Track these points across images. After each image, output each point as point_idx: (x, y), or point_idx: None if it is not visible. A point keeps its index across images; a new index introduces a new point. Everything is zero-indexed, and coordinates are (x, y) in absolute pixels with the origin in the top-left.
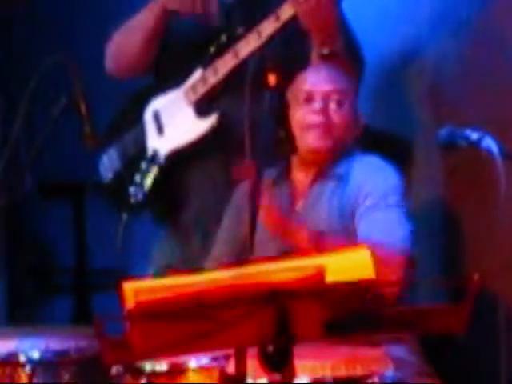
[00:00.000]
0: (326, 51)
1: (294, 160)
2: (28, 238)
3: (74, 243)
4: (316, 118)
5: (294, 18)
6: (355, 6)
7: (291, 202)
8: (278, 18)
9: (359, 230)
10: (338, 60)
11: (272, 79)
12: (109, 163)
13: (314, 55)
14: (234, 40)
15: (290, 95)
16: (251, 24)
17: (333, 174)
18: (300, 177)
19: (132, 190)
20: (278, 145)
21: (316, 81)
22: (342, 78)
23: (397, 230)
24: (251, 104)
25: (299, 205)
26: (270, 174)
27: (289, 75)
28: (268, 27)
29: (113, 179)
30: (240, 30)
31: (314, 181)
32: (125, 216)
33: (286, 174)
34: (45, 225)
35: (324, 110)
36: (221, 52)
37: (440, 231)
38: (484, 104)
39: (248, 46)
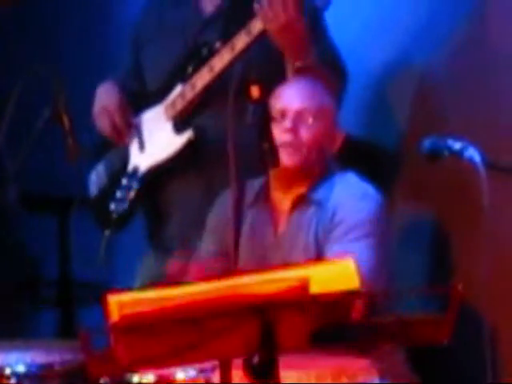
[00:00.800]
0: (298, 64)
1: (273, 176)
2: (13, 250)
3: (59, 256)
4: (286, 137)
5: (264, 33)
6: (339, 20)
7: (271, 225)
8: (249, 32)
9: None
10: (312, 72)
11: (255, 91)
12: (96, 179)
13: (288, 69)
14: (212, 54)
15: (270, 109)
16: (228, 38)
17: (312, 200)
18: (279, 196)
19: (113, 206)
20: (262, 157)
21: (288, 99)
22: (318, 93)
23: (362, 266)
24: (233, 116)
25: (279, 231)
26: (251, 188)
27: (271, 87)
28: (240, 41)
29: (98, 195)
30: (217, 45)
31: (293, 207)
32: (107, 232)
33: (265, 191)
34: (30, 237)
35: (294, 129)
36: (199, 67)
37: (426, 241)
38: (469, 114)
39: (222, 60)
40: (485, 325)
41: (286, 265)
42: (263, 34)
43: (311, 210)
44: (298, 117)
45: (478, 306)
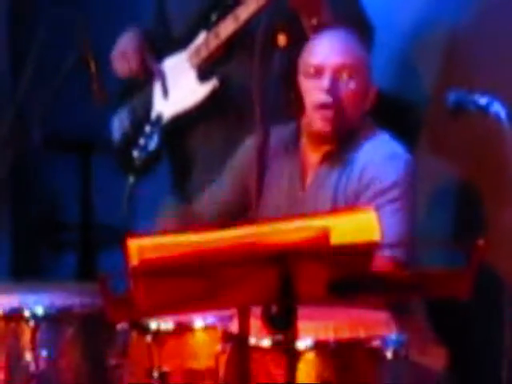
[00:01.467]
0: (314, 22)
1: (303, 128)
2: (34, 191)
3: (80, 199)
4: (325, 98)
5: None
6: None
7: (300, 179)
8: None
9: None
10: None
11: (282, 39)
12: (119, 124)
13: (306, 28)
14: (237, 2)
15: (300, 63)
16: None
17: (341, 158)
18: (308, 151)
19: (136, 153)
20: (288, 106)
21: (325, 54)
22: (354, 47)
23: (391, 233)
24: (260, 65)
25: (306, 185)
26: (279, 135)
27: (298, 36)
28: None
29: (120, 140)
30: None
31: (321, 162)
32: (131, 178)
33: (295, 141)
34: (52, 180)
35: (333, 89)
36: (224, 15)
37: (451, 198)
38: (495, 70)
39: (247, 9)
40: (506, 286)
41: (307, 214)
42: None
43: (340, 167)
44: (336, 74)
45: (501, 266)
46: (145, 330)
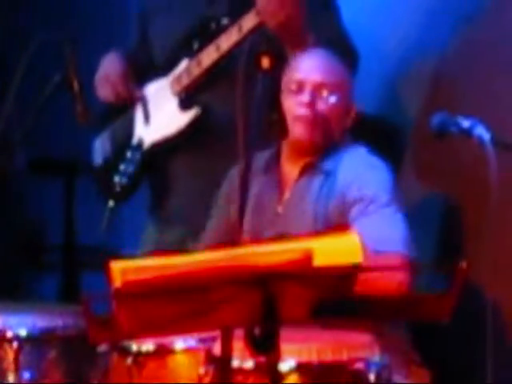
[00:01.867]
0: (296, 52)
1: (284, 148)
2: (17, 213)
3: (63, 220)
4: (304, 111)
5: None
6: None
7: (278, 193)
8: (258, 12)
9: None
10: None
11: (265, 62)
12: (100, 148)
13: (288, 54)
14: (220, 30)
15: (283, 81)
16: (234, 14)
17: (320, 168)
18: (288, 167)
19: (117, 178)
20: (271, 128)
21: (307, 71)
22: (336, 66)
23: (392, 234)
24: (243, 87)
25: (284, 198)
26: (260, 159)
27: (281, 59)
28: (248, 22)
29: (102, 165)
30: (225, 21)
31: (301, 174)
32: (111, 203)
33: (275, 161)
34: (35, 201)
35: (312, 104)
36: (206, 43)
37: (434, 219)
38: (479, 92)
39: (229, 40)
40: (488, 304)
41: (290, 237)
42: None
43: (319, 178)
44: (316, 90)
45: (483, 286)
46: (125, 351)
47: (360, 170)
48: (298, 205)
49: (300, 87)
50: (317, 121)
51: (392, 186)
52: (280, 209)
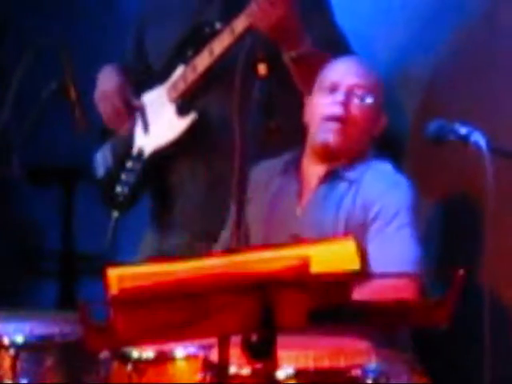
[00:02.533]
0: (293, 54)
1: (306, 151)
2: (15, 221)
3: (61, 228)
4: (337, 110)
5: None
6: (347, 3)
7: (297, 196)
8: (250, 15)
9: (369, 254)
10: (310, 60)
11: (262, 69)
12: (102, 160)
13: (285, 59)
14: (213, 34)
15: (315, 84)
16: (227, 18)
17: (344, 177)
18: (310, 171)
19: (119, 188)
20: (268, 136)
21: (343, 72)
22: (370, 73)
23: (406, 255)
24: (240, 94)
25: (304, 201)
26: (279, 162)
27: (279, 65)
28: (240, 25)
29: (104, 176)
30: (218, 25)
31: (324, 179)
32: (115, 213)
33: (296, 164)
34: (32, 209)
35: (345, 103)
36: (200, 48)
37: (431, 226)
38: (474, 98)
39: (222, 43)
40: (486, 310)
41: (288, 243)
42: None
43: (342, 186)
44: (351, 91)
45: (481, 291)
46: (125, 358)
47: (384, 187)
48: (318, 210)
49: (334, 88)
50: (347, 123)
51: (413, 207)
52: (299, 211)
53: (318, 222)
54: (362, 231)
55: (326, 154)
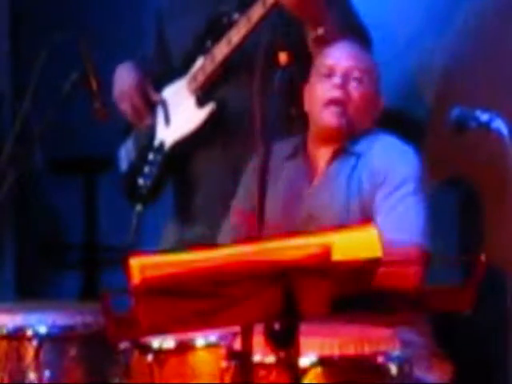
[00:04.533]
0: (320, 31)
1: (310, 136)
2: (38, 213)
3: (84, 219)
4: (336, 93)
5: (278, 3)
6: None
7: (308, 177)
8: (264, 3)
9: (375, 219)
10: (334, 39)
11: (283, 57)
12: (126, 154)
13: (310, 40)
14: (231, 25)
15: (312, 70)
16: (244, 8)
17: (352, 151)
18: (317, 153)
19: (141, 181)
20: (290, 123)
21: (338, 56)
22: (364, 55)
23: (412, 224)
24: (261, 83)
25: (316, 181)
26: (281, 149)
27: (300, 53)
28: (256, 13)
29: (128, 170)
30: (236, 16)
31: (332, 158)
32: (139, 207)
33: (302, 148)
34: (55, 200)
35: (343, 86)
36: (218, 39)
37: (453, 213)
38: (496, 84)
39: (239, 32)
40: (509, 298)
41: (310, 231)
42: (277, 5)
43: (351, 160)
44: (347, 74)
45: (503, 276)
46: (146, 349)
47: (391, 156)
48: (331, 187)
49: (331, 72)
50: (347, 105)
51: (420, 176)
52: (311, 191)
53: (331, 198)
54: (373, 199)
55: (332, 136)
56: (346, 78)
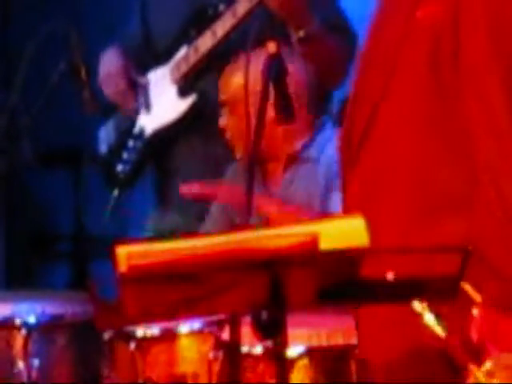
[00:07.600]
0: (301, 33)
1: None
2: (26, 204)
3: (72, 210)
4: None
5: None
6: None
7: (265, 190)
8: None
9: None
10: (317, 41)
11: (272, 47)
12: (105, 136)
13: (293, 40)
14: (216, 16)
15: None
16: (231, 2)
17: (305, 157)
18: (270, 164)
19: (120, 167)
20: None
21: None
22: None
23: None
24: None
25: (273, 192)
26: (234, 167)
27: (287, 43)
28: (242, 7)
29: (106, 153)
30: (221, 7)
31: (285, 168)
32: (115, 192)
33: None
34: (43, 192)
35: None
36: (203, 30)
37: None
38: None
39: (224, 25)
40: None
41: (296, 220)
42: (263, 2)
43: (304, 166)
44: None
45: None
46: (128, 337)
47: None
48: (286, 197)
49: None
50: None
51: None
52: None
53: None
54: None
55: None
56: None
